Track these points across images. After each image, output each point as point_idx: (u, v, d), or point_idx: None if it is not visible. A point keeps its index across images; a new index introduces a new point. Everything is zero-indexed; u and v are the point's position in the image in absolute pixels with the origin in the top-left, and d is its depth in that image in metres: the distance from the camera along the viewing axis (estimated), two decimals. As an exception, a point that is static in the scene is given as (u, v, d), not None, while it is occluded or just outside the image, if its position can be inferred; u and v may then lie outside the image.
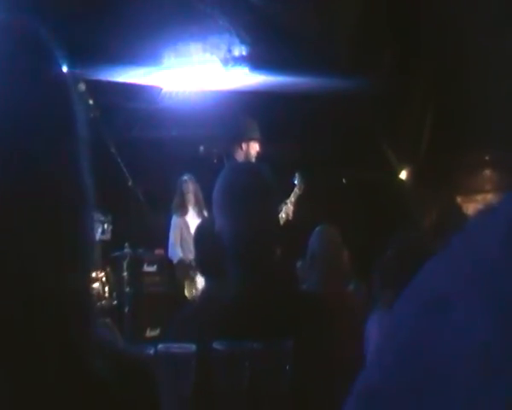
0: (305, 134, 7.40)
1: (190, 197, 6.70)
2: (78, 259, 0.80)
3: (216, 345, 1.60)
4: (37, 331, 0.74)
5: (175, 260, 6.76)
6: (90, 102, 4.63)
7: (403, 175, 7.81)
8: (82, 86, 4.58)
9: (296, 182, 6.02)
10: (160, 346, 1.57)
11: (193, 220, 6.46)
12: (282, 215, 5.79)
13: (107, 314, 5.71)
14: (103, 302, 5.77)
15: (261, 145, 5.45)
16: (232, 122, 5.94)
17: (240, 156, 5.36)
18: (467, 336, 0.48)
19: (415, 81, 6.73)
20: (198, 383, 1.58)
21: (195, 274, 6.04)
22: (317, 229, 3.93)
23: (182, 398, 1.59)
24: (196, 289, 6.12)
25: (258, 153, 5.41)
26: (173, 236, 6.78)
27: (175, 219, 6.79)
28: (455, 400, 0.48)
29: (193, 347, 1.57)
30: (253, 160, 5.37)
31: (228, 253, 1.91)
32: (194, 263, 5.56)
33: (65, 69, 0.84)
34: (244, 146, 5.36)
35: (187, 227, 6.62)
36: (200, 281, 5.75)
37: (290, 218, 5.90)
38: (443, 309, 0.50)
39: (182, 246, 6.66)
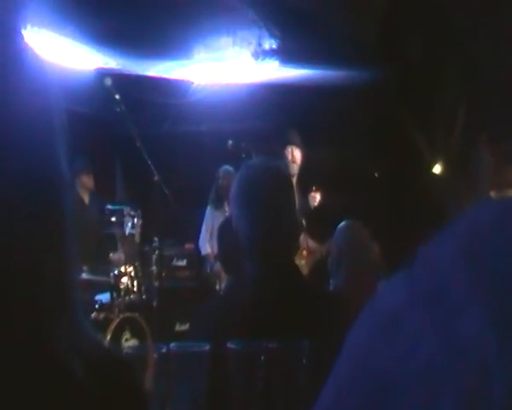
0: (336, 127, 7.34)
1: (225, 190, 6.67)
2: (58, 246, 0.77)
3: (230, 344, 1.57)
4: (3, 319, 0.71)
5: (202, 253, 6.78)
6: (117, 96, 4.63)
7: (436, 169, 7.70)
8: (108, 81, 4.59)
9: None
10: (173, 345, 1.54)
11: (225, 214, 6.44)
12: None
13: (136, 309, 5.73)
14: (132, 297, 5.79)
15: (303, 153, 5.75)
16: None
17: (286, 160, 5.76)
18: (414, 352, 0.47)
19: (447, 71, 6.61)
20: (212, 383, 1.55)
21: (220, 269, 6.12)
22: (343, 224, 3.87)
23: (195, 398, 1.57)
24: (220, 284, 6.16)
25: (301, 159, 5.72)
26: (204, 227, 6.78)
27: (208, 211, 6.79)
28: None
29: (206, 346, 1.54)
30: (297, 164, 5.63)
31: (244, 250, 1.88)
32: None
33: (30, 46, 0.79)
34: (289, 151, 5.78)
35: (219, 220, 6.60)
36: (225, 276, 5.84)
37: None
38: (395, 326, 0.49)
39: (211, 239, 6.65)
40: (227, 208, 6.55)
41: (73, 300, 0.80)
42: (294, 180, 5.64)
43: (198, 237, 6.88)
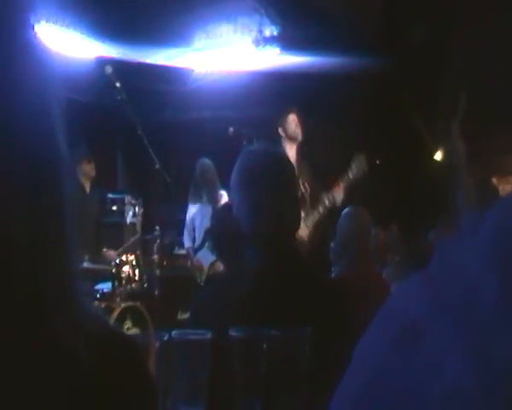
0: (337, 114, 7.31)
1: (202, 183, 6.67)
2: (58, 229, 0.77)
3: (232, 332, 1.56)
4: (3, 303, 0.70)
5: (185, 246, 6.84)
6: (117, 84, 4.61)
7: (438, 155, 7.68)
8: (109, 69, 4.57)
9: (353, 166, 5.82)
10: (175, 333, 1.54)
11: (204, 207, 6.48)
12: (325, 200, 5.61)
13: (137, 298, 5.73)
14: (133, 286, 5.79)
15: (299, 117, 5.61)
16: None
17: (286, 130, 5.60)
18: (438, 373, 0.42)
19: (448, 58, 6.58)
20: (214, 371, 1.54)
21: (201, 262, 6.24)
22: (346, 211, 3.85)
23: (197, 385, 1.56)
24: (201, 276, 6.24)
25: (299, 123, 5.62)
26: (186, 221, 6.80)
27: (189, 206, 6.81)
28: None
29: (208, 333, 1.53)
30: (298, 132, 5.55)
31: (245, 237, 1.87)
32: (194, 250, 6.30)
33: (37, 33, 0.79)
34: (291, 120, 5.61)
35: (197, 214, 6.63)
36: (206, 268, 6.02)
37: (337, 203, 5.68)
38: (414, 338, 0.44)
39: (192, 233, 6.69)
40: (206, 201, 6.57)
41: (75, 280, 0.79)
42: (296, 148, 5.58)
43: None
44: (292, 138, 5.61)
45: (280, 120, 5.64)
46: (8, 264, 0.71)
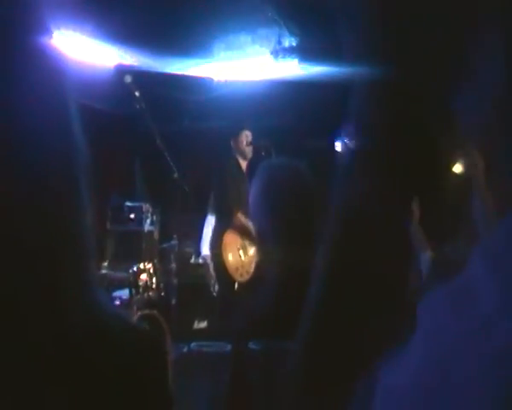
0: (355, 125, 7.29)
1: None
2: (75, 224, 0.76)
3: (252, 345, 1.56)
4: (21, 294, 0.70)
5: (202, 254, 6.82)
6: (137, 93, 4.64)
7: (457, 168, 7.63)
8: (128, 78, 4.60)
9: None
10: (193, 344, 1.54)
11: None
12: None
13: (154, 306, 5.73)
14: (150, 294, 5.80)
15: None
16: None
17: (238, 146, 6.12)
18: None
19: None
20: (232, 383, 1.54)
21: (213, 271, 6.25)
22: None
23: (215, 397, 1.56)
24: (214, 285, 6.25)
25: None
26: (204, 231, 6.78)
27: (207, 216, 6.80)
28: None
29: (227, 346, 1.54)
30: (249, 150, 6.09)
31: (269, 252, 1.87)
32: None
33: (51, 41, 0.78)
34: (244, 136, 6.16)
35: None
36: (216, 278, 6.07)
37: None
38: (486, 332, 0.45)
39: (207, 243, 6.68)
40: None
41: (90, 275, 0.77)
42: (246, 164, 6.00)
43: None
44: (242, 155, 6.10)
45: (233, 137, 6.13)
46: (25, 258, 0.70)
